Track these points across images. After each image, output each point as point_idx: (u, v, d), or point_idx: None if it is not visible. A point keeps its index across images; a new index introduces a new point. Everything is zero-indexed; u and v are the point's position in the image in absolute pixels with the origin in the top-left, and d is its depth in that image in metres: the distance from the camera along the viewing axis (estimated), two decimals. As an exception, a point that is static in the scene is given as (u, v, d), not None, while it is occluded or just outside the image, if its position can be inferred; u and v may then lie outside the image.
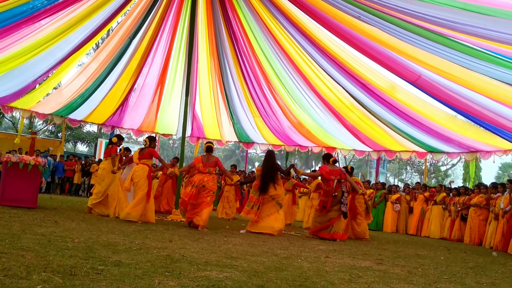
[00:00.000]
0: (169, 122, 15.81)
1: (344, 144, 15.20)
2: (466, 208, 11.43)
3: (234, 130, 16.25)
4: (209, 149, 8.43)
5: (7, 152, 12.74)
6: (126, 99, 14.54)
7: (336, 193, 8.46)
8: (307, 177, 14.34)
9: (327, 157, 9.15)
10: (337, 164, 9.23)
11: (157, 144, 15.86)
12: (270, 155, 8.69)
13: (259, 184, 8.34)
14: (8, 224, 5.55)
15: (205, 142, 8.70)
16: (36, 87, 13.47)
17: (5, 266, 3.12)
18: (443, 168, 42.35)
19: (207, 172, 8.13)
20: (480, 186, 11.53)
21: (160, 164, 11.72)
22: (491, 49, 7.38)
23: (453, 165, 40.56)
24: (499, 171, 47.13)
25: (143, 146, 8.77)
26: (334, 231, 8.41)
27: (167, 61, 12.94)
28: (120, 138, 9.40)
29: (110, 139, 8.85)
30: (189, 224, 8.10)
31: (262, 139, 16.41)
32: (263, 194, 8.31)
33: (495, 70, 7.88)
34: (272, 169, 8.43)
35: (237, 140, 16.99)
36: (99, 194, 8.71)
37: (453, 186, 14.08)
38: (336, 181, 8.55)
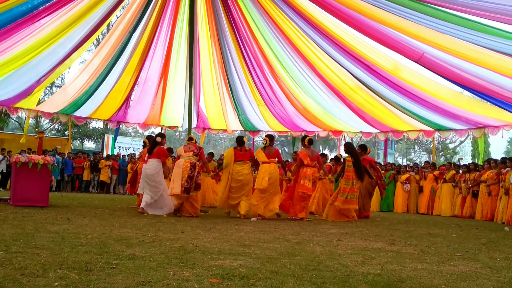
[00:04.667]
0: (174, 115, 15.83)
1: (351, 127, 15.15)
2: (477, 184, 11.38)
3: (239, 120, 16.25)
4: (310, 142, 8.91)
5: (17, 153, 12.83)
6: (130, 93, 14.54)
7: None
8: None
9: (365, 148, 10.00)
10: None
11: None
12: (353, 147, 9.33)
13: (357, 174, 8.92)
14: (21, 224, 5.61)
15: (302, 135, 9.44)
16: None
17: (21, 265, 3.16)
18: (451, 146, 42.16)
19: (314, 166, 8.65)
20: (489, 161, 11.45)
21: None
22: (493, 20, 7.30)
23: (461, 142, 40.39)
24: (508, 146, 46.80)
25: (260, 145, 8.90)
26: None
27: (169, 53, 12.91)
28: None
29: (238, 141, 8.65)
30: (298, 218, 8.53)
31: (268, 127, 16.40)
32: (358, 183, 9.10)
33: (499, 43, 7.79)
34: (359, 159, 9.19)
35: (243, 129, 17.00)
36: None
37: (462, 163, 14.00)
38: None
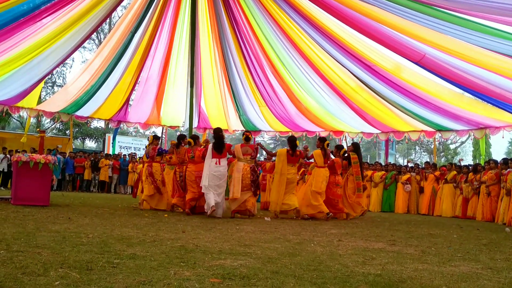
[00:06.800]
0: (175, 114, 15.85)
1: (352, 127, 15.15)
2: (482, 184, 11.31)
3: (240, 120, 16.25)
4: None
5: (17, 151, 12.82)
6: (131, 93, 14.54)
7: None
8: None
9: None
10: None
11: (164, 137, 15.94)
12: (359, 147, 10.02)
13: (360, 172, 9.52)
14: (22, 223, 5.61)
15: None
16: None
17: (22, 264, 3.16)
18: (452, 146, 42.11)
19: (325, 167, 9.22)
20: (490, 162, 11.42)
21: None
22: (494, 21, 7.30)
23: (462, 142, 40.32)
24: (509, 146, 46.74)
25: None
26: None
27: (170, 52, 12.93)
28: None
29: (292, 146, 8.63)
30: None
31: (269, 127, 16.40)
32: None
33: (500, 43, 7.78)
34: None
35: (244, 129, 17.00)
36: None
37: (462, 163, 14.00)
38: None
